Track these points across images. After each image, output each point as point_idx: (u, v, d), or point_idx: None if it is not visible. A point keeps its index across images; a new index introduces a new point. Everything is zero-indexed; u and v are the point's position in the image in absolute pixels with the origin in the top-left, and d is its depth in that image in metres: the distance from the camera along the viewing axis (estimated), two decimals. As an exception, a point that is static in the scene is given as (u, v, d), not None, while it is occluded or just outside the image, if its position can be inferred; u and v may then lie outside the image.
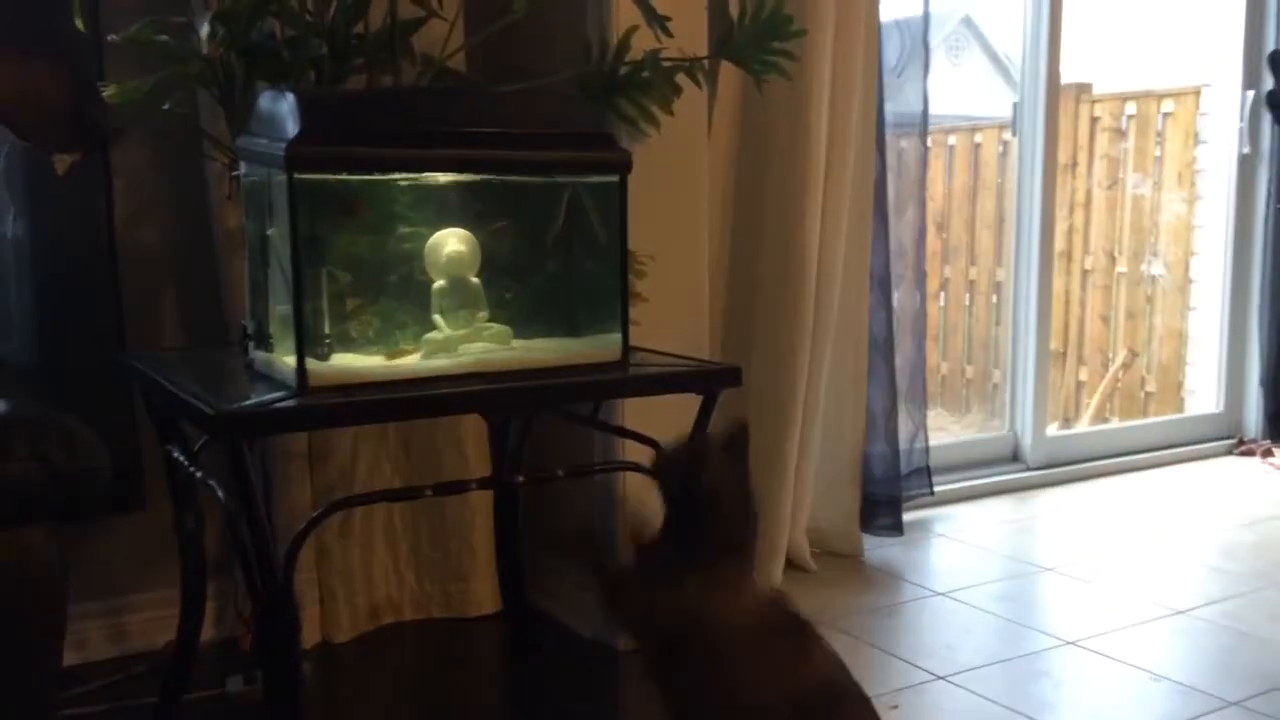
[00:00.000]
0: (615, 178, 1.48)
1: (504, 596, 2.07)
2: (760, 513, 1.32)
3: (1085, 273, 4.44)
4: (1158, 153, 4.30)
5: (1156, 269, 4.34)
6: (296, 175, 1.29)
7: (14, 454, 0.89)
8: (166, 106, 1.64)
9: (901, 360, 2.52)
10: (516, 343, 1.52)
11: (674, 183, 1.95)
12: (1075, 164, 4.37)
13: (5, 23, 1.18)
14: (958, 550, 2.59)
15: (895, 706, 1.82)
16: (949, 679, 1.91)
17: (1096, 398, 4.34)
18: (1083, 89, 4.36)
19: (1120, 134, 4.39)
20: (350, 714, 1.83)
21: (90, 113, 1.23)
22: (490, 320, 1.51)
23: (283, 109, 1.33)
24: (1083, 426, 4.18)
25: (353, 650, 2.03)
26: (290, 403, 1.29)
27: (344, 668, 1.98)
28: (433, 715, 1.86)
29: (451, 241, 1.49)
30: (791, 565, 2.34)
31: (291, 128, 1.30)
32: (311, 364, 1.34)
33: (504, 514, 1.97)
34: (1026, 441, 3.13)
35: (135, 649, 1.96)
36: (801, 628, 1.28)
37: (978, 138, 4.34)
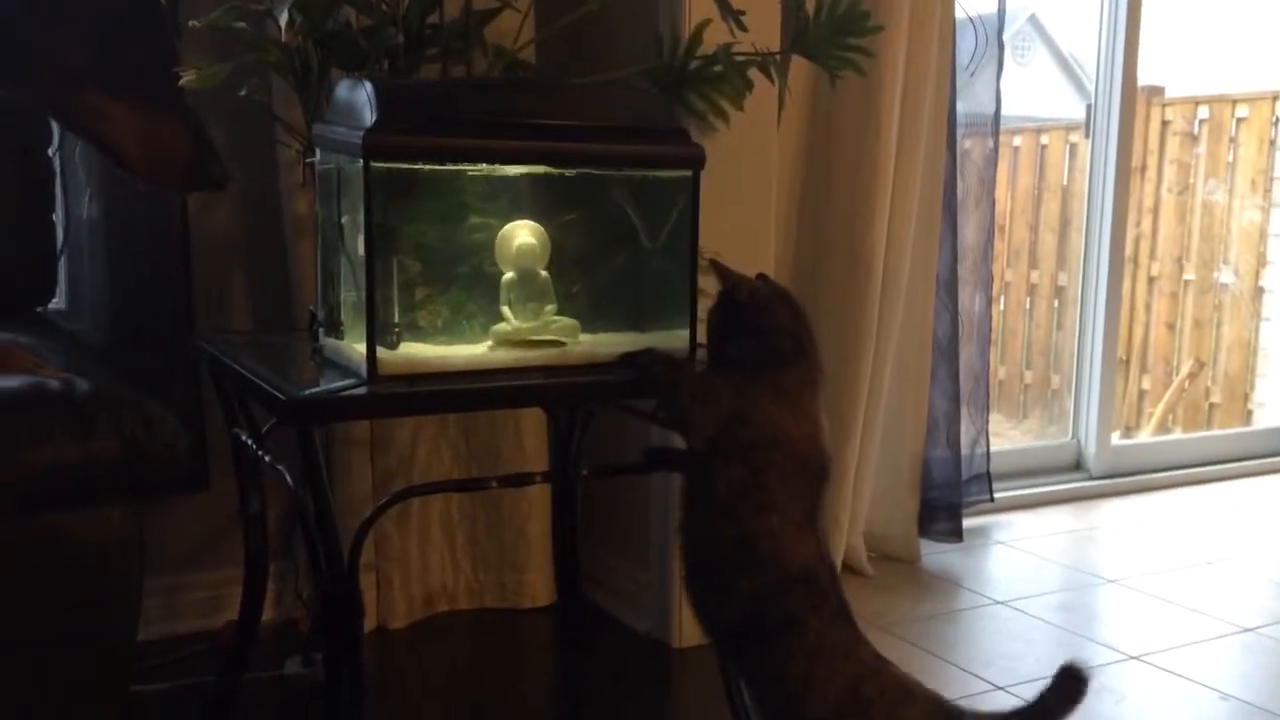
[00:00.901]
0: (688, 173, 1.46)
1: (559, 589, 2.07)
2: (812, 334, 1.31)
3: (1151, 279, 4.35)
4: (1230, 158, 4.20)
5: (1227, 277, 4.24)
6: (373, 164, 1.29)
7: (97, 432, 0.90)
8: (243, 93, 1.65)
9: (965, 364, 2.48)
10: (584, 337, 1.51)
11: (742, 179, 1.93)
12: (1145, 168, 4.28)
13: (132, 80, 1.25)
14: (1018, 558, 2.55)
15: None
16: (1009, 689, 1.88)
17: (1160, 407, 4.25)
18: (1154, 91, 4.27)
19: (1192, 138, 4.30)
20: (404, 700, 1.84)
21: (209, 163, 1.33)
22: (558, 314, 1.51)
23: (360, 98, 1.34)
24: (1145, 436, 4.10)
25: (407, 637, 2.04)
26: (360, 390, 1.29)
27: (399, 654, 1.99)
28: (485, 704, 1.86)
29: (522, 234, 1.48)
30: (848, 569, 2.32)
31: (369, 116, 1.30)
32: (381, 352, 1.34)
33: (562, 507, 1.97)
34: (1090, 450, 3.07)
35: (193, 628, 1.99)
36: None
37: (1044, 139, 4.27)
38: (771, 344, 1.28)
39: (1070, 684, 1.18)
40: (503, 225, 1.49)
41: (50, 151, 1.58)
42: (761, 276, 1.37)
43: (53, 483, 0.90)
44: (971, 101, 2.50)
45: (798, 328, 1.29)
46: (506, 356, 1.44)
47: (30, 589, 0.92)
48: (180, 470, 0.98)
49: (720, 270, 1.33)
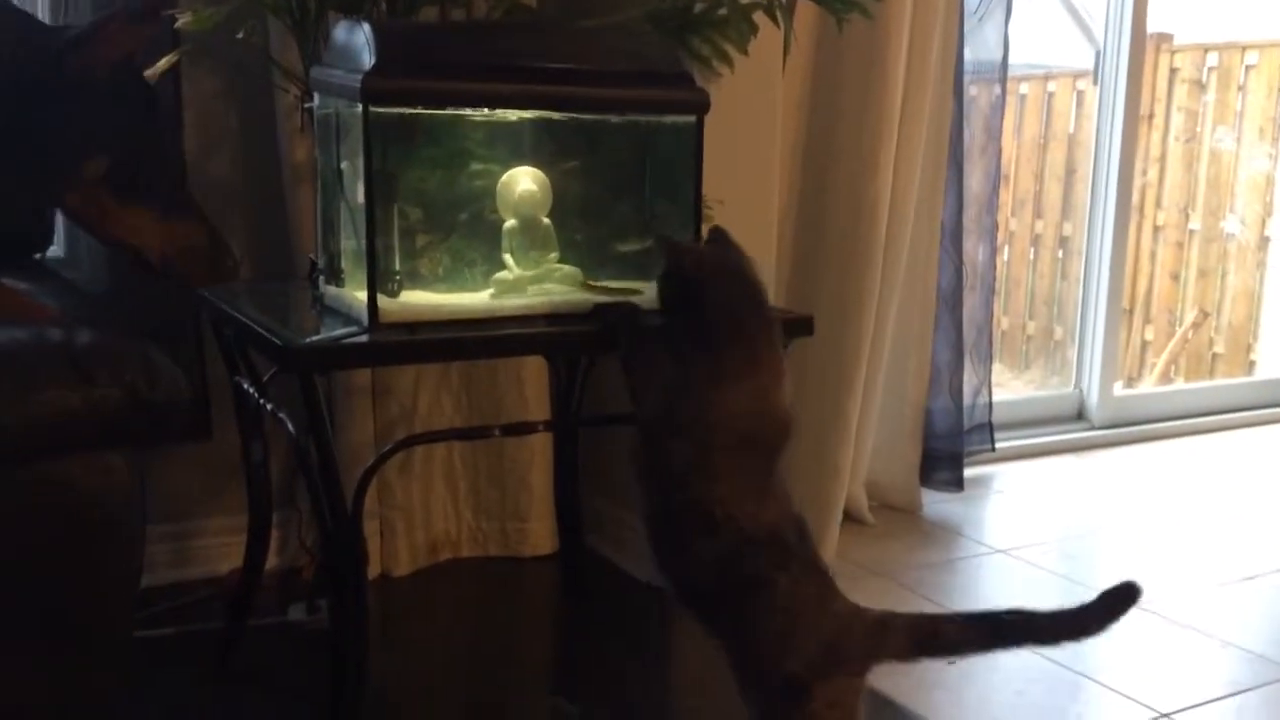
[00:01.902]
0: (692, 118, 1.44)
1: (561, 538, 2.08)
2: (763, 298, 1.29)
3: (1157, 229, 4.32)
4: (1239, 106, 4.15)
5: (1233, 226, 4.21)
6: (372, 108, 1.27)
7: (98, 381, 0.90)
8: (239, 36, 1.62)
9: (968, 314, 2.47)
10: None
11: (746, 125, 1.91)
12: (1152, 116, 4.23)
13: (149, 187, 1.35)
14: (1019, 508, 2.56)
15: (952, 661, 1.80)
16: (1007, 637, 1.89)
17: (1164, 358, 4.24)
18: (1163, 39, 4.21)
19: (1200, 86, 4.24)
20: (408, 646, 1.86)
21: (222, 258, 1.44)
22: (560, 261, 1.50)
23: (358, 40, 1.31)
24: (1148, 386, 4.10)
25: (410, 584, 2.05)
26: (362, 338, 1.29)
27: (402, 601, 2.00)
28: (488, 651, 1.88)
29: (524, 180, 1.47)
30: (849, 518, 2.32)
31: (367, 59, 1.28)
32: (382, 300, 1.34)
33: (563, 456, 1.97)
34: (1092, 400, 3.07)
35: (197, 575, 2.00)
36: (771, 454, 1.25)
37: (1051, 86, 4.21)
38: (710, 325, 1.25)
39: (1118, 600, 1.20)
40: (504, 172, 1.47)
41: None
42: (715, 233, 1.34)
43: (54, 430, 0.90)
44: (979, 48, 2.46)
45: (738, 305, 1.26)
46: (508, 304, 1.43)
47: (33, 534, 0.92)
48: (182, 419, 0.98)
49: (666, 245, 1.31)
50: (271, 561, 1.90)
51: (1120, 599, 1.21)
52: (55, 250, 1.82)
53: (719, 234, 1.34)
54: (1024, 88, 4.23)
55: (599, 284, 1.49)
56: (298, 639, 1.81)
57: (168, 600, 1.88)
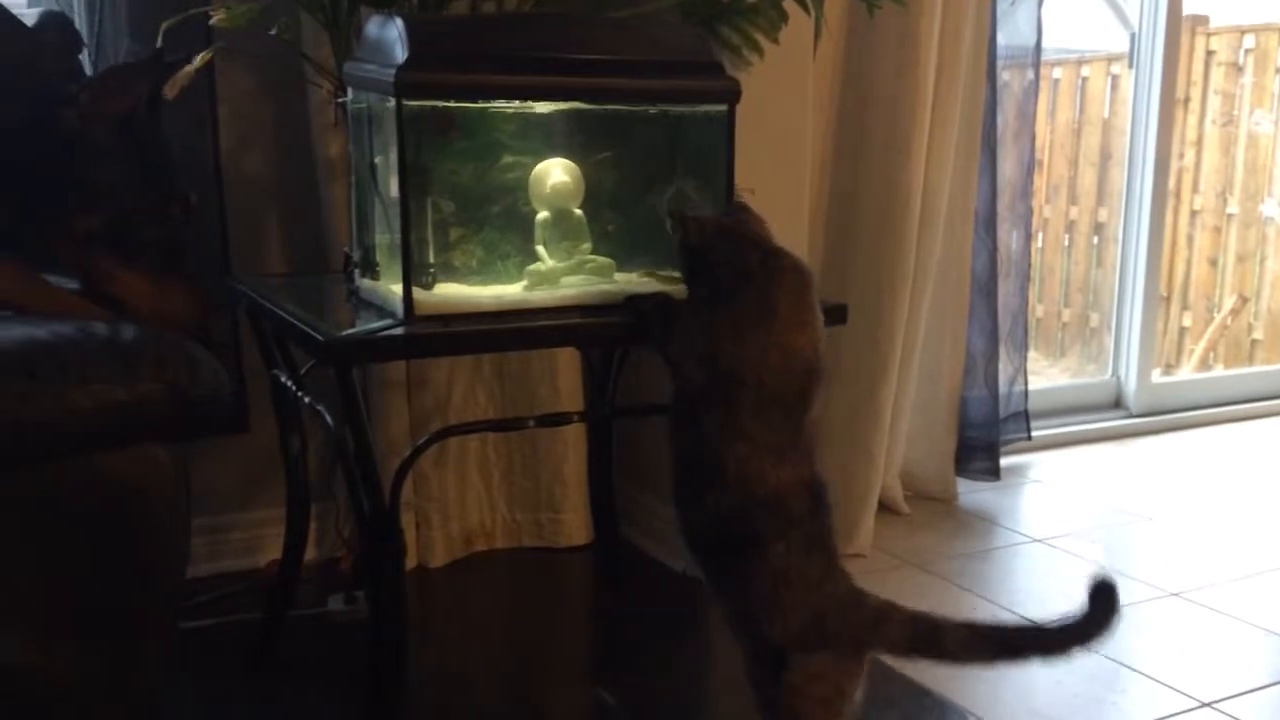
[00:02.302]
0: (724, 107, 1.44)
1: (596, 529, 2.08)
2: (769, 249, 1.30)
3: (1194, 213, 4.26)
4: (1276, 88, 4.08)
5: (1271, 210, 4.15)
6: (405, 102, 1.28)
7: (141, 376, 0.91)
8: (272, 32, 1.63)
9: (1003, 301, 2.45)
10: (619, 276, 1.51)
11: (777, 113, 1.90)
12: (1188, 100, 4.17)
13: (143, 249, 1.35)
14: (1055, 497, 2.53)
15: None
16: (1046, 627, 1.88)
17: (1202, 344, 4.19)
18: (1198, 21, 4.14)
19: (1237, 69, 4.17)
20: (444, 636, 1.87)
21: (210, 323, 1.43)
22: (593, 253, 1.50)
23: (391, 35, 1.32)
24: (1187, 373, 4.05)
25: (446, 575, 2.07)
26: (398, 331, 1.30)
27: (438, 592, 2.02)
28: (525, 641, 1.89)
29: (556, 172, 1.47)
30: (884, 508, 2.32)
31: (400, 54, 1.29)
32: (417, 293, 1.34)
33: (598, 447, 1.97)
34: (1130, 387, 3.04)
35: (236, 567, 2.02)
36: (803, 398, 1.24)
37: (1085, 71, 4.16)
38: (719, 281, 1.27)
39: (1103, 596, 1.19)
40: (536, 163, 1.47)
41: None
42: (733, 205, 1.37)
43: (101, 424, 0.91)
44: (1012, 32, 2.44)
45: (740, 259, 1.27)
46: (542, 296, 1.43)
47: (81, 526, 0.93)
48: (222, 413, 0.99)
49: (675, 215, 1.33)
50: (309, 553, 1.92)
51: (1105, 595, 1.20)
52: (95, 247, 1.84)
53: (736, 205, 1.36)
54: (1057, 72, 4.18)
55: (650, 274, 1.50)
56: (336, 629, 1.83)
57: (207, 591, 1.90)
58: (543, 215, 1.48)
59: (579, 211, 1.49)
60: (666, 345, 1.32)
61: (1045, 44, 2.47)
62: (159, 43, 1.56)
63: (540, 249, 1.48)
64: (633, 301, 1.40)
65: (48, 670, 0.93)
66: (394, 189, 1.34)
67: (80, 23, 1.76)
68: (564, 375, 2.08)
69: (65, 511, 0.93)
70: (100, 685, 0.95)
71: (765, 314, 1.25)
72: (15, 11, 1.72)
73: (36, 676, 0.93)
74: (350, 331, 1.28)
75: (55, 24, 1.53)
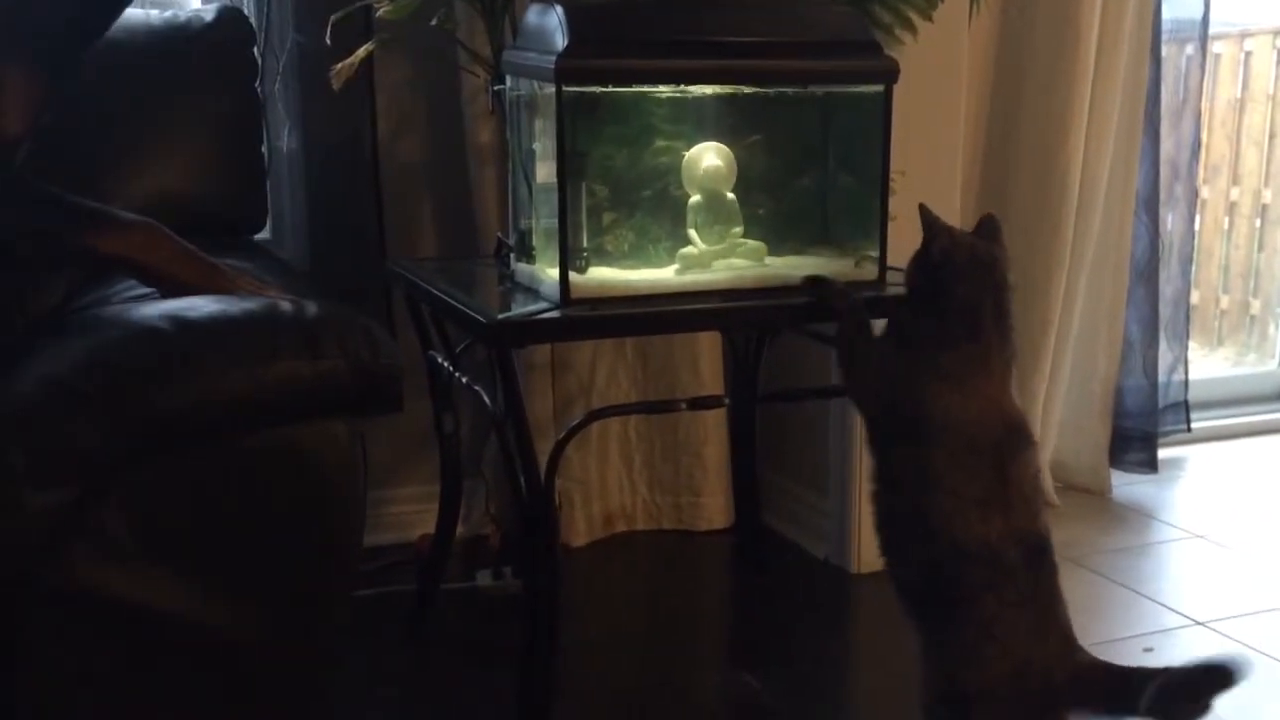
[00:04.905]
0: (880, 88, 1.42)
1: (737, 513, 2.08)
2: (1007, 301, 1.23)
3: (1368, 195, 3.99)
4: None
5: None
6: (565, 88, 1.30)
7: (326, 352, 0.95)
8: (433, 23, 1.68)
9: (1165, 287, 2.34)
10: (770, 260, 1.50)
11: (928, 92, 1.85)
12: (1364, 73, 3.90)
13: None
14: (1216, 490, 2.42)
15: (1149, 649, 1.73)
16: (1209, 625, 1.80)
17: (1376, 334, 3.93)
18: (1377, -11, 3.87)
19: None
20: (585, 615, 1.90)
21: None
22: (744, 236, 1.50)
23: (551, 22, 1.34)
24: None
25: (587, 555, 2.09)
26: (556, 313, 1.32)
27: (580, 571, 2.05)
28: (666, 622, 1.90)
29: (709, 155, 1.47)
30: (1032, 498, 2.25)
31: (560, 40, 1.31)
32: (572, 277, 1.36)
33: (741, 431, 1.97)
34: (1297, 379, 2.87)
35: (389, 541, 2.08)
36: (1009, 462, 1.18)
37: (1248, 45, 3.94)
38: (947, 319, 1.20)
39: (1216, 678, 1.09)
40: (688, 147, 1.48)
41: (255, 85, 1.65)
42: (985, 221, 1.27)
43: (286, 399, 0.95)
44: (1177, 5, 2.32)
45: (980, 303, 1.20)
46: (695, 280, 1.44)
47: (266, 499, 0.98)
48: (398, 389, 1.03)
49: (925, 218, 1.24)
50: (458, 530, 1.98)
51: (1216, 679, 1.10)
52: (262, 233, 1.93)
53: (989, 223, 1.27)
54: (1218, 47, 3.97)
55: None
56: (485, 604, 1.88)
57: (364, 564, 1.97)
58: (695, 199, 1.48)
59: (731, 195, 1.49)
60: (849, 357, 1.29)
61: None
62: (327, 36, 1.63)
63: (692, 233, 1.48)
64: (814, 284, 1.38)
65: (235, 630, 0.98)
66: (548, 175, 1.36)
67: (250, 16, 1.84)
68: (706, 359, 2.08)
69: (252, 483, 0.98)
70: (283, 647, 1.00)
71: (983, 367, 1.20)
72: (191, 7, 1.81)
73: (225, 635, 0.98)
74: (513, 314, 1.31)
75: (231, 19, 1.60)
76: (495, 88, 1.62)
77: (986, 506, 1.15)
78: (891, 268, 1.49)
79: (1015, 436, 1.19)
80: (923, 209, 1.25)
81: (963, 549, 1.15)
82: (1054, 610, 1.17)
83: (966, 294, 1.20)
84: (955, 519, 1.15)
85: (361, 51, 1.65)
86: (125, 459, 0.91)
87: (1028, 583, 1.15)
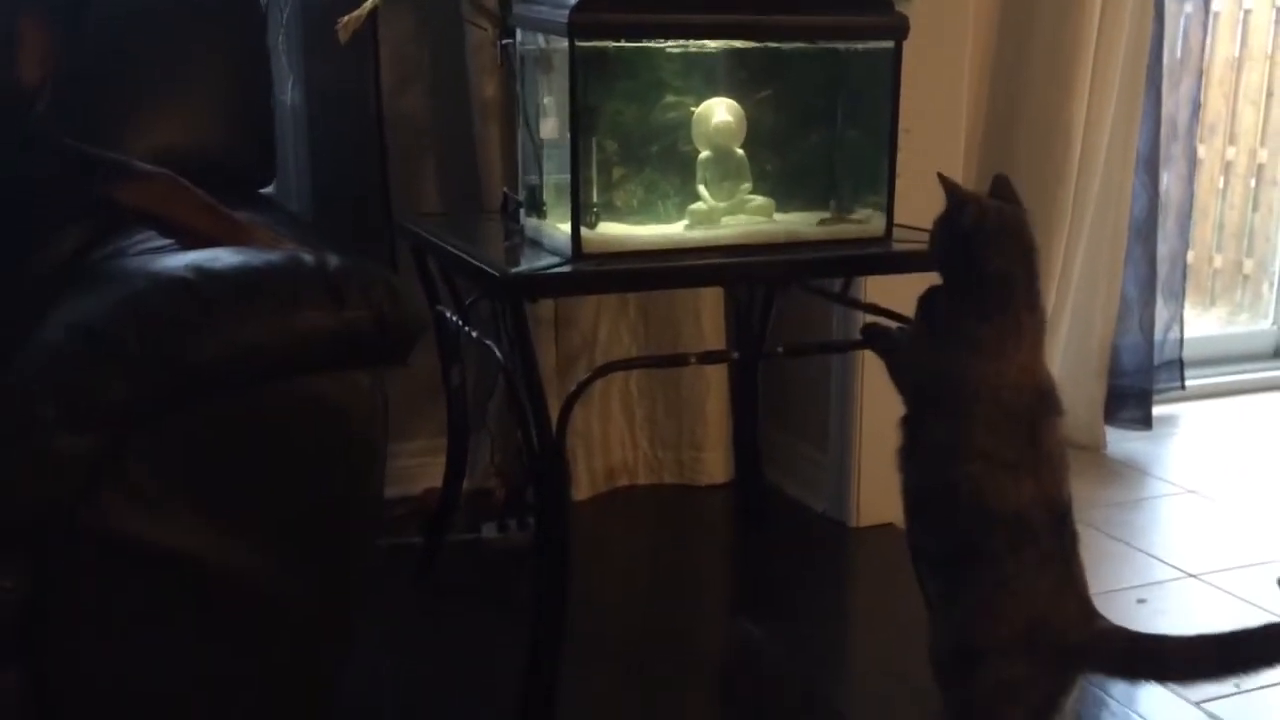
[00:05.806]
0: (890, 43, 1.42)
1: (737, 467, 2.11)
2: (1037, 266, 1.21)
3: (1362, 155, 4.00)
4: None
5: None
6: (578, 42, 1.30)
7: (349, 303, 0.96)
8: (442, -27, 1.67)
9: (1161, 246, 2.36)
10: (778, 216, 1.51)
11: (933, 49, 1.85)
12: (1363, 33, 3.90)
13: None
14: (1209, 447, 2.45)
15: (1142, 601, 1.77)
16: (1201, 577, 1.84)
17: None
18: (1377, -54, 3.85)
19: None
20: (588, 567, 1.91)
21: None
22: (753, 192, 1.51)
23: (563, -25, 1.33)
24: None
25: (589, 509, 2.12)
26: (567, 268, 1.33)
27: (582, 525, 2.06)
28: (666, 574, 1.93)
29: (719, 111, 1.47)
30: (1028, 453, 2.28)
31: (572, -6, 1.30)
32: (582, 231, 1.37)
33: (743, 386, 1.99)
34: (1291, 336, 2.91)
35: (394, 494, 2.09)
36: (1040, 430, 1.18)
37: (1247, 3, 3.93)
38: (981, 289, 1.19)
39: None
40: (698, 103, 1.48)
41: (263, 38, 1.64)
42: (999, 183, 1.26)
43: (311, 349, 0.97)
44: (1180, -39, 2.32)
45: (1014, 272, 1.19)
46: (703, 235, 1.45)
47: (290, 445, 1.00)
48: (416, 341, 1.04)
49: (946, 185, 1.23)
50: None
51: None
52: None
53: (1002, 183, 1.26)
54: (1216, 4, 3.95)
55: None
56: (490, 555, 1.90)
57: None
58: (704, 155, 1.49)
59: (740, 151, 1.49)
60: (894, 360, 1.30)
61: (1206, -27, 2.34)
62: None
63: (701, 188, 1.49)
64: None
65: (261, 575, 1.00)
66: (560, 129, 1.37)
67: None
68: (708, 315, 2.09)
69: (278, 431, 0.99)
70: (311, 592, 1.02)
71: (1016, 336, 1.19)
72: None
73: (250, 580, 1.00)
74: (526, 268, 1.32)
75: None
76: (503, 41, 1.62)
77: (1017, 470, 1.16)
78: (898, 225, 1.50)
79: (1046, 402, 1.20)
80: (942, 177, 1.24)
81: (993, 514, 1.15)
82: (1073, 574, 1.18)
83: (1000, 266, 1.19)
84: (987, 484, 1.15)
85: (369, 3, 1.64)
86: (154, 407, 0.92)
87: (1051, 545, 1.16)
